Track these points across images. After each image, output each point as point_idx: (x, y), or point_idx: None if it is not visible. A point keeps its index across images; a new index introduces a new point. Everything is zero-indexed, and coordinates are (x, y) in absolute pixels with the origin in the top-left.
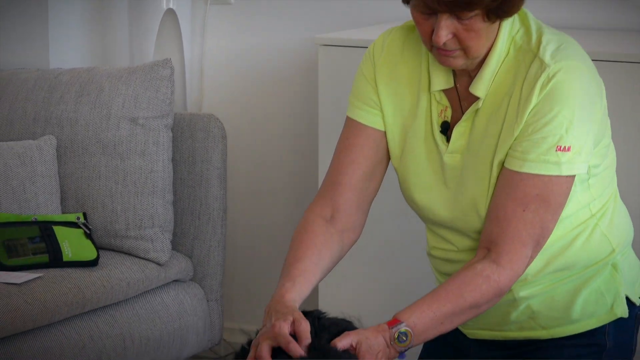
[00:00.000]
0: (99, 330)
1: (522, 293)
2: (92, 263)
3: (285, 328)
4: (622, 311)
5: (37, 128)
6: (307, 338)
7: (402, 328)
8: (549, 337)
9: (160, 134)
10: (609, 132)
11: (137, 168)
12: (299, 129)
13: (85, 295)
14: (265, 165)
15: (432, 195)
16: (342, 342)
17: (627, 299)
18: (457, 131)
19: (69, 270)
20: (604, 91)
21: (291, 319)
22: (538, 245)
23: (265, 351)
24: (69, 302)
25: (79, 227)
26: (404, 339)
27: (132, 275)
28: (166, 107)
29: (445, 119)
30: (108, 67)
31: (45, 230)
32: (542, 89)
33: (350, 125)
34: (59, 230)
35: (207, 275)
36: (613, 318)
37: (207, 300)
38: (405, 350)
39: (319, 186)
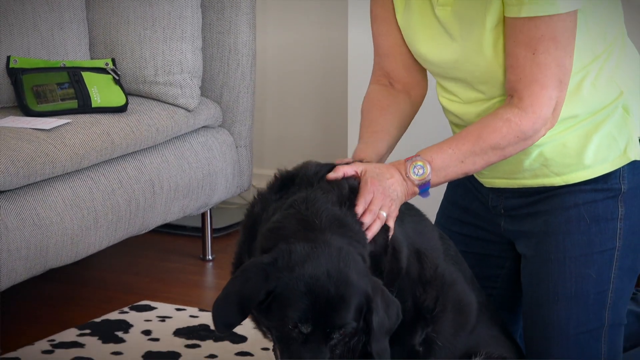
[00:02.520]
0: (128, 176)
1: None
2: (121, 109)
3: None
4: (636, 154)
5: None
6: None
7: (418, 161)
8: (564, 183)
9: None
10: None
11: (165, 13)
12: None
13: (114, 141)
14: (295, 13)
15: (429, 46)
16: (347, 169)
17: None
18: None
19: (98, 116)
20: None
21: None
22: (561, 84)
23: None
24: (98, 147)
25: (107, 73)
26: (420, 172)
27: (161, 121)
28: None
29: None
30: None
31: (74, 76)
32: None
33: None
34: (87, 76)
35: (236, 121)
36: (627, 161)
37: (236, 147)
38: (426, 188)
39: (348, 29)
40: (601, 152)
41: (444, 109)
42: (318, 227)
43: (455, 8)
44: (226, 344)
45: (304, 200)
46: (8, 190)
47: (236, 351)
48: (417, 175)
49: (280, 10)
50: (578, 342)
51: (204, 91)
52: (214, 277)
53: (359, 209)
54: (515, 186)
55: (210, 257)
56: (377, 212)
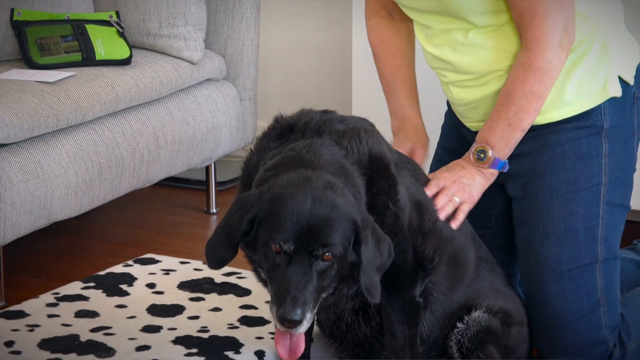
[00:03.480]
0: (132, 129)
1: None
2: (125, 62)
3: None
4: (615, 90)
5: None
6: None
7: (477, 147)
8: (546, 122)
9: None
10: None
11: None
12: None
13: (118, 94)
14: None
15: None
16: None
17: (621, 79)
18: None
19: (102, 69)
20: None
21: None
22: (562, 7)
23: None
24: (102, 100)
25: (111, 25)
26: (483, 155)
27: (165, 74)
28: None
29: None
30: None
31: (78, 28)
32: None
33: None
34: (91, 29)
35: (241, 74)
36: (606, 97)
37: (241, 99)
38: (499, 164)
39: None
40: (580, 88)
41: (430, 58)
42: (314, 165)
43: None
44: (230, 297)
45: (308, 145)
46: (12, 143)
47: (240, 304)
48: (482, 160)
49: None
50: (572, 278)
51: (208, 44)
52: None
53: (431, 191)
54: None
55: (214, 210)
56: (450, 196)
